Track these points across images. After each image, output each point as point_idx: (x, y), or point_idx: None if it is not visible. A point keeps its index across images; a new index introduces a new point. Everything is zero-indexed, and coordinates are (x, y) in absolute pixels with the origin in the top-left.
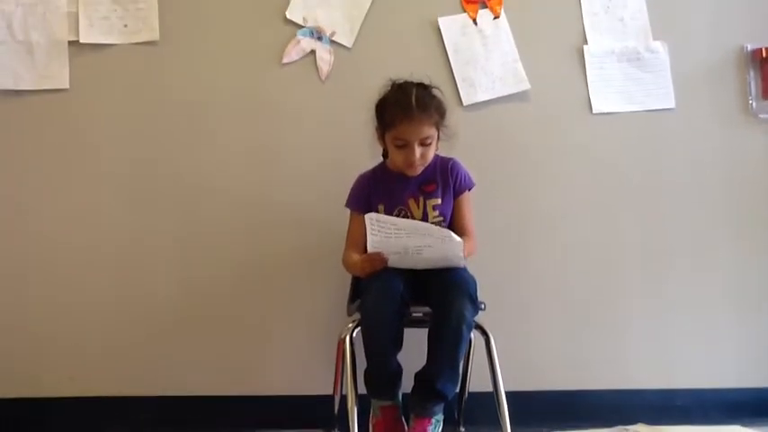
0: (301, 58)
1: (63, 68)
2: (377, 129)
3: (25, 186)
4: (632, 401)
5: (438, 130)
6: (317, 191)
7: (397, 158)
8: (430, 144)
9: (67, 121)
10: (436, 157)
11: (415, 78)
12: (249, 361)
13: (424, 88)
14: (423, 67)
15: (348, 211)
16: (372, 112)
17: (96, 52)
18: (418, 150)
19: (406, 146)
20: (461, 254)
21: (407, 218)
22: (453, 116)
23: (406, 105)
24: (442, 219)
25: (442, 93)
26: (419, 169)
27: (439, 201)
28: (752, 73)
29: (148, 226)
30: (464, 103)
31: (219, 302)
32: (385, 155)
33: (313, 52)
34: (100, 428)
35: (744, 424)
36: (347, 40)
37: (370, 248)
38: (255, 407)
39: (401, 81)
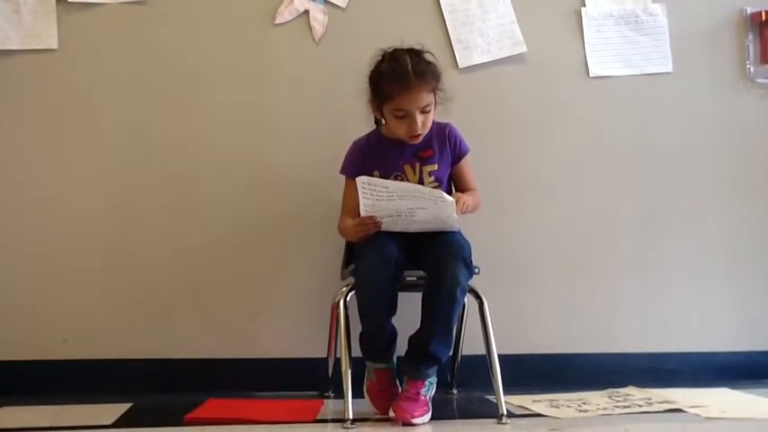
0: (294, 19)
1: (51, 28)
2: (371, 101)
3: (14, 147)
4: (623, 365)
5: (435, 94)
6: (311, 154)
7: (398, 129)
8: (429, 111)
9: (56, 81)
10: (432, 122)
11: (406, 45)
12: (244, 324)
13: (417, 54)
14: (418, 28)
15: (343, 177)
16: (366, 82)
17: (85, 11)
18: (419, 118)
19: (406, 116)
20: (454, 214)
21: None
22: (448, 79)
23: (403, 75)
24: (437, 185)
25: (435, 56)
26: (422, 136)
27: (435, 167)
28: (750, 37)
29: (141, 188)
30: (459, 66)
31: (213, 265)
32: (377, 122)
33: (306, 12)
34: (94, 391)
35: (732, 386)
36: (341, 1)
37: (362, 212)
38: (250, 370)
39: (392, 50)
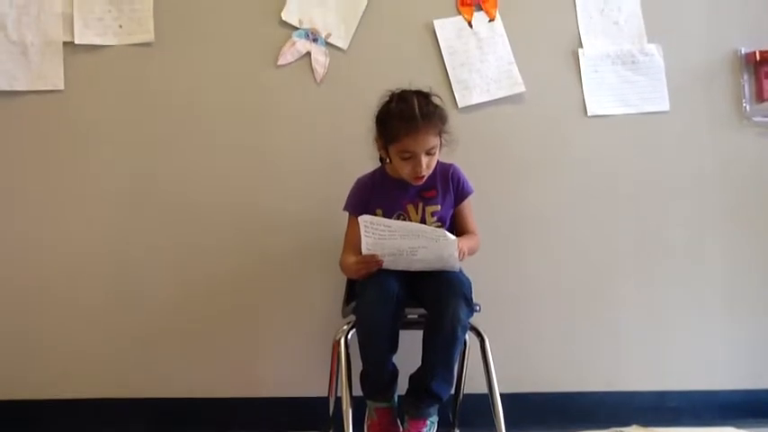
0: (296, 60)
1: (58, 69)
2: (377, 140)
3: (19, 187)
4: (626, 403)
5: (441, 137)
6: (313, 193)
7: (403, 170)
8: (434, 153)
9: (62, 121)
10: (436, 164)
11: (414, 86)
12: (244, 363)
13: (425, 97)
14: (418, 70)
15: (346, 214)
16: (371, 122)
17: (91, 53)
18: (424, 160)
19: (412, 157)
20: (456, 253)
21: None
22: (449, 119)
23: (411, 117)
24: (440, 225)
25: (442, 99)
26: (425, 178)
27: (438, 207)
28: (746, 76)
29: (143, 229)
30: (459, 106)
31: (214, 304)
32: (382, 160)
33: (308, 54)
34: (95, 430)
35: (736, 425)
36: (343, 42)
37: (364, 250)
38: (251, 408)
39: (400, 91)
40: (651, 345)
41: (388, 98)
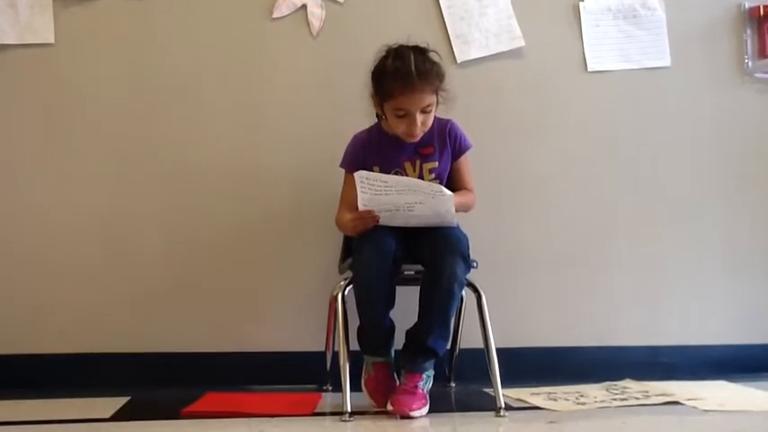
0: (292, 13)
1: (48, 22)
2: (373, 96)
3: (10, 143)
4: (620, 358)
5: (437, 95)
6: (309, 149)
7: (397, 127)
8: (430, 111)
9: (52, 76)
10: (434, 119)
11: (411, 42)
12: (242, 318)
13: (422, 53)
14: (416, 23)
15: (343, 171)
16: (367, 77)
17: (82, 6)
18: (419, 118)
19: (406, 115)
20: (452, 209)
21: None
22: (447, 73)
23: (406, 75)
24: (438, 181)
25: (440, 55)
26: (420, 136)
27: (436, 164)
28: (748, 31)
29: (138, 185)
30: (457, 61)
31: (211, 260)
32: (379, 117)
33: (304, 7)
34: (91, 384)
35: (730, 379)
36: None
37: (360, 206)
38: (248, 363)
39: (397, 46)
40: (646, 301)
41: (384, 54)
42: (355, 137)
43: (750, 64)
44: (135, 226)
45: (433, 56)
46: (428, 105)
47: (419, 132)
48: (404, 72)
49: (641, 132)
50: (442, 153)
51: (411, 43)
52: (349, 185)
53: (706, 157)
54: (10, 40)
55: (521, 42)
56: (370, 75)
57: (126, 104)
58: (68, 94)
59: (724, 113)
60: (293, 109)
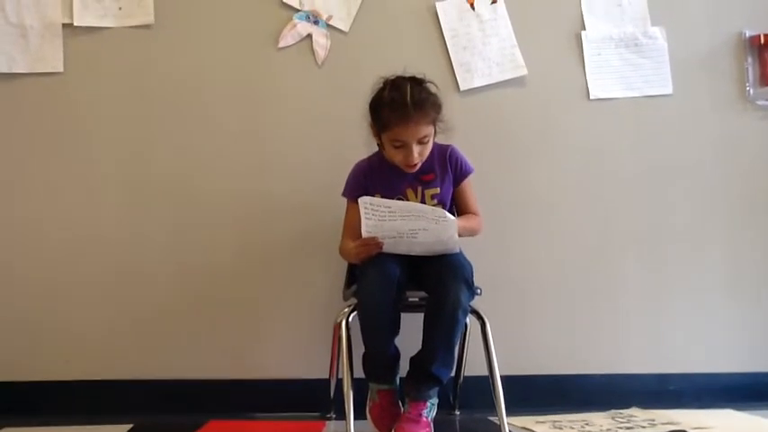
0: (297, 43)
1: (57, 51)
2: (371, 126)
3: (19, 170)
4: (626, 386)
5: (435, 125)
6: (313, 177)
7: (395, 158)
8: (427, 142)
9: (62, 104)
10: (434, 144)
11: (408, 72)
12: (246, 345)
13: (418, 84)
14: (420, 52)
15: (345, 199)
16: (367, 108)
17: (91, 35)
18: (416, 149)
19: (403, 146)
20: (455, 236)
21: None
22: (450, 101)
23: (402, 106)
24: (441, 206)
25: (437, 86)
26: (418, 166)
27: (437, 190)
28: (750, 59)
29: (144, 211)
30: (461, 89)
31: (216, 287)
32: (380, 145)
33: (309, 36)
34: (95, 412)
35: (736, 408)
36: (344, 25)
37: (364, 233)
38: (252, 391)
39: (394, 78)
40: (652, 328)
41: (381, 85)
42: (357, 165)
43: (752, 91)
44: (139, 252)
45: (430, 86)
46: (425, 136)
47: (416, 162)
48: (400, 103)
49: (644, 159)
50: (443, 179)
51: (408, 74)
52: (351, 213)
53: (709, 183)
54: (20, 69)
55: (523, 71)
56: (368, 106)
57: (133, 131)
58: (77, 121)
59: (726, 140)
60: (298, 136)
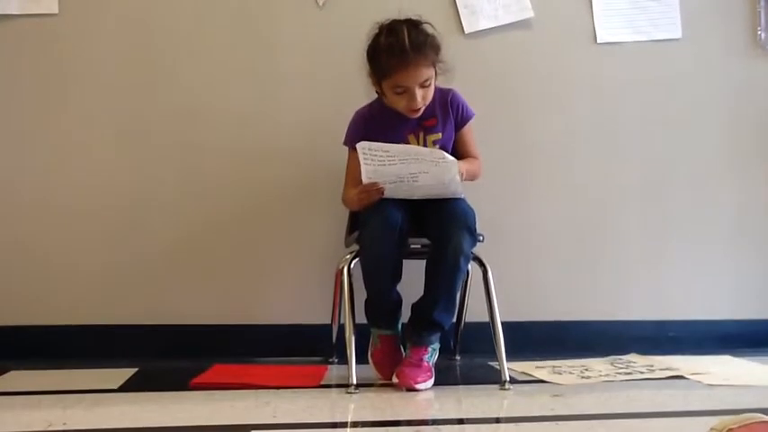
0: None
1: None
2: (370, 75)
3: (13, 114)
4: (626, 332)
5: (435, 67)
6: (314, 123)
7: (397, 104)
8: (429, 85)
9: (57, 47)
10: (435, 89)
11: (404, 15)
12: (248, 291)
13: (415, 27)
14: None
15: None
16: (364, 57)
17: None
18: (419, 93)
19: (405, 91)
20: (457, 177)
21: None
22: (454, 44)
23: (401, 51)
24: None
25: (434, 27)
26: (422, 110)
27: (439, 135)
28: (762, 3)
29: (145, 157)
30: (465, 31)
31: (218, 233)
32: (381, 93)
33: None
34: (100, 356)
35: (735, 354)
36: None
37: (364, 179)
38: (255, 336)
39: (389, 22)
40: (652, 276)
41: (376, 31)
42: (357, 113)
43: (763, 36)
44: (141, 200)
45: (426, 28)
46: (426, 79)
47: (420, 107)
48: (398, 48)
49: (651, 104)
50: (445, 124)
51: (403, 17)
52: (353, 161)
53: (717, 129)
54: (13, 9)
55: (530, 13)
56: (365, 54)
57: (130, 74)
58: (72, 63)
59: (736, 86)
60: (299, 80)
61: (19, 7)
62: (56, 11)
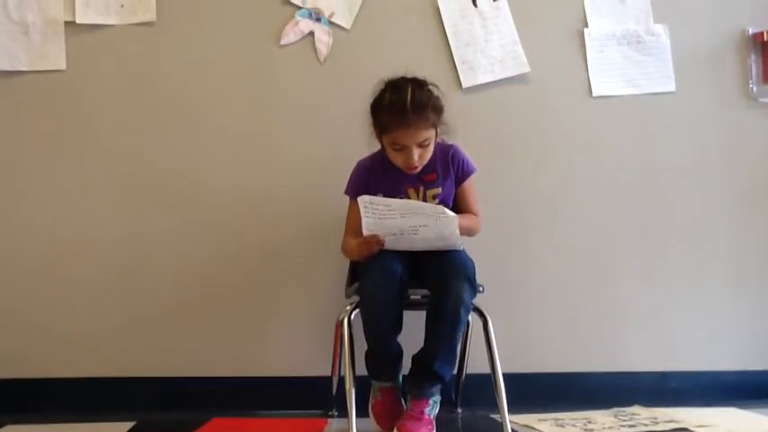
0: (299, 40)
1: (59, 49)
2: (373, 127)
3: (21, 168)
4: (629, 384)
5: (436, 128)
6: (315, 175)
7: (395, 160)
8: (428, 145)
9: (64, 101)
10: (436, 144)
11: (410, 73)
12: (248, 343)
13: (419, 87)
14: (422, 49)
15: (347, 197)
16: (368, 108)
17: (93, 33)
18: (416, 152)
19: (403, 149)
20: (457, 231)
21: None
22: (452, 99)
23: (402, 110)
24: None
25: (439, 88)
26: (419, 168)
27: (439, 190)
28: (753, 57)
29: (146, 209)
30: (463, 86)
31: (218, 285)
32: (383, 145)
33: (311, 34)
34: (98, 409)
35: (740, 406)
36: (346, 22)
37: (365, 231)
38: (255, 388)
39: (395, 79)
40: (654, 326)
41: (382, 87)
42: (359, 163)
43: (755, 89)
44: (142, 250)
45: (432, 89)
46: (425, 140)
47: (417, 165)
48: (399, 107)
49: (647, 156)
50: (445, 179)
51: (410, 75)
52: (353, 212)
53: (712, 180)
54: (22, 66)
55: (526, 68)
56: (369, 107)
57: (135, 129)
58: (79, 118)
59: (729, 137)
60: (300, 134)
61: (28, 64)
62: (63, 67)
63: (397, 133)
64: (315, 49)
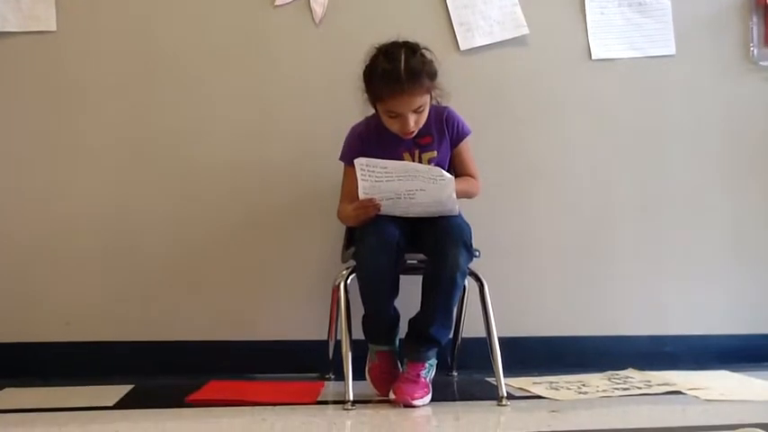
0: (294, 1)
1: (49, 10)
2: (366, 94)
3: (12, 131)
4: (622, 347)
5: (430, 93)
6: (311, 139)
7: (391, 127)
8: (423, 110)
9: (55, 64)
10: (431, 107)
11: (403, 37)
12: (245, 307)
13: (412, 53)
14: (419, 11)
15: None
16: (362, 72)
17: None
18: (412, 118)
19: (398, 116)
20: (454, 194)
21: None
22: (450, 61)
23: (396, 78)
24: None
25: (432, 52)
26: (414, 133)
27: (435, 153)
28: (754, 19)
29: (141, 174)
30: (461, 48)
31: (214, 249)
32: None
33: None
34: (95, 373)
35: (732, 369)
36: None
37: (361, 194)
38: (252, 352)
39: (387, 45)
40: (650, 290)
41: (374, 53)
42: (353, 129)
43: (756, 52)
44: (138, 216)
45: (425, 53)
46: (420, 106)
47: (413, 131)
48: (393, 75)
49: (645, 120)
50: (440, 142)
51: (402, 39)
52: (349, 178)
53: (711, 145)
54: (12, 27)
55: (525, 30)
56: (362, 75)
57: (127, 92)
58: (71, 81)
59: (729, 101)
60: (295, 98)
61: (18, 24)
62: (54, 28)
63: (392, 101)
64: (310, 11)
